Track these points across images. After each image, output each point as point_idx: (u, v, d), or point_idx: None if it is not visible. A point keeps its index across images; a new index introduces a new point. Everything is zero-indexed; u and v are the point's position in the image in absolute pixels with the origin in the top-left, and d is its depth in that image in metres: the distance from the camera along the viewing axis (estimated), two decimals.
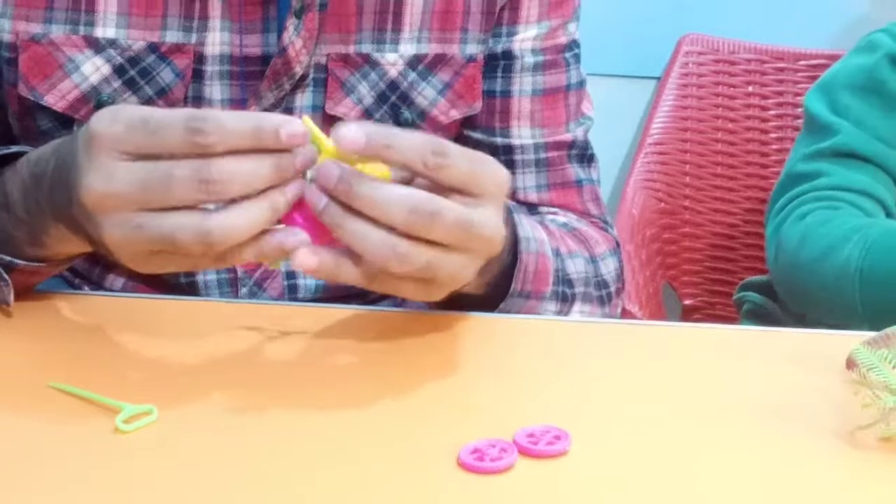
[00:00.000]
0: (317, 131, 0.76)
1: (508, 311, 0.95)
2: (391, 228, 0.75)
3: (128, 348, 0.86)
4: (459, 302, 0.90)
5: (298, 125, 0.74)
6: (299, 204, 0.76)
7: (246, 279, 1.04)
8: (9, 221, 0.86)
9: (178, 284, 1.03)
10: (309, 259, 0.76)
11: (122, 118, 0.74)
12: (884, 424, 0.75)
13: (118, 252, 0.77)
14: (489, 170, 0.79)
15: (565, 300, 1.01)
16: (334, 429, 0.75)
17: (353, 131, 0.74)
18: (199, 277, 1.03)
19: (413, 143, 0.75)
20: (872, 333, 0.84)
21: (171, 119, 0.73)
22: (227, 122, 0.73)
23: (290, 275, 1.05)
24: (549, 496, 0.69)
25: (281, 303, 1.02)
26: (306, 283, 1.05)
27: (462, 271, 0.79)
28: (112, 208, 0.75)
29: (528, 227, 0.97)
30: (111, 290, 1.05)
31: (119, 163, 0.74)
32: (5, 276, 0.86)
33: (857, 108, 1.42)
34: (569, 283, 1.02)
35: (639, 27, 2.00)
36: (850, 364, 0.81)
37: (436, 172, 0.75)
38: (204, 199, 0.73)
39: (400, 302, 1.13)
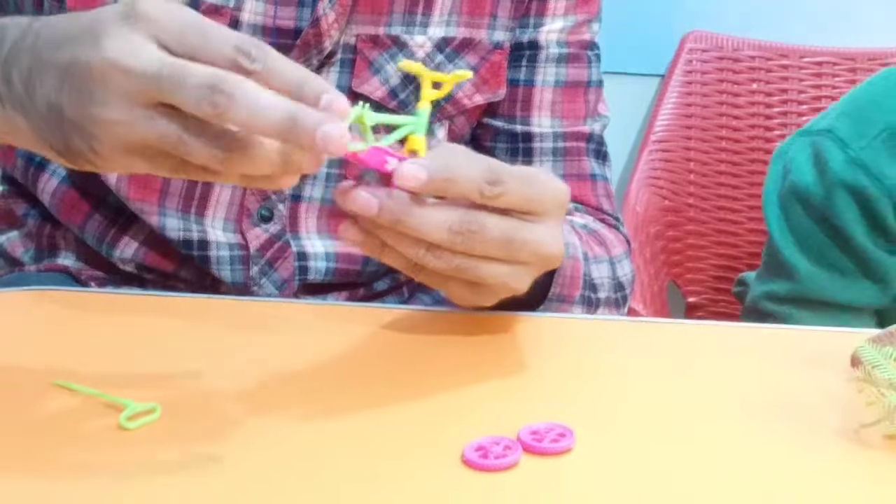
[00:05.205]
0: (368, 126, 0.73)
1: (540, 311, 0.95)
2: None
3: (132, 346, 0.86)
4: (504, 304, 0.90)
5: (343, 102, 0.69)
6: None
7: (258, 257, 1.04)
8: None
9: (190, 256, 1.03)
10: (353, 233, 0.76)
11: (174, 7, 0.70)
12: (888, 422, 0.75)
13: (103, 136, 0.70)
14: (546, 188, 0.79)
15: (590, 304, 1.01)
16: (338, 426, 0.75)
17: (415, 170, 0.74)
18: (213, 252, 1.03)
19: (470, 175, 0.75)
20: (877, 331, 0.84)
21: (225, 32, 0.70)
22: (276, 59, 0.70)
23: (302, 255, 1.05)
24: (553, 493, 0.69)
25: (286, 300, 1.02)
26: (317, 265, 1.06)
27: (512, 281, 0.80)
28: (118, 86, 0.69)
29: (566, 231, 0.98)
30: (122, 258, 1.04)
31: (149, 45, 0.69)
32: None
33: (811, 240, 1.51)
34: (594, 287, 1.02)
35: (643, 25, 2.00)
36: (855, 362, 0.81)
37: (493, 201, 0.76)
38: (207, 109, 0.67)
39: (405, 298, 1.13)
